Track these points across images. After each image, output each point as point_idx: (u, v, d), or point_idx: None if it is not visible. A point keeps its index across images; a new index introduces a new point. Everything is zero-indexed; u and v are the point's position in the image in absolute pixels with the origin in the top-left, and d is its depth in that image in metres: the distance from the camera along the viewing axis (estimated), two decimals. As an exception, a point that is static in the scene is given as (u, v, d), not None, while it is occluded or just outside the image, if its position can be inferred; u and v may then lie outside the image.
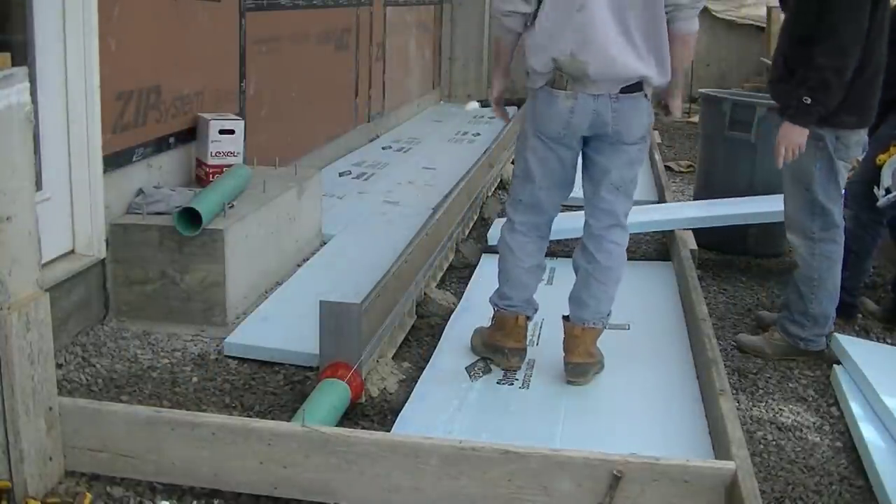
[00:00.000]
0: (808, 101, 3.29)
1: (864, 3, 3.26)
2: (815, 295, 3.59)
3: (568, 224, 4.20)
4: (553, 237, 3.51)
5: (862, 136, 3.52)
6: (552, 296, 4.23)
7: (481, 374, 3.38)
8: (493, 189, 6.27)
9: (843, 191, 3.60)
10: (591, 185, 3.27)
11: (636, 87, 3.05)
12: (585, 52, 2.98)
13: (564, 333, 3.36)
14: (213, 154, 4.29)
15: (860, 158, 3.89)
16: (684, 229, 4.66)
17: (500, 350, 3.42)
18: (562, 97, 3.08)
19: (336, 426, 2.74)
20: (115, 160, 3.74)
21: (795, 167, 3.50)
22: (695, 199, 5.49)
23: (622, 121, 3.08)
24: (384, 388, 3.25)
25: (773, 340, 3.70)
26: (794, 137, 3.36)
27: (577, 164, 3.28)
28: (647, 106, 3.12)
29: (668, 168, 7.21)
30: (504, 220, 3.46)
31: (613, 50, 2.97)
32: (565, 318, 3.38)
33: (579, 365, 3.33)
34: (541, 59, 3.08)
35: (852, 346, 3.54)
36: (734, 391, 3.32)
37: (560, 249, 4.77)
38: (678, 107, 3.34)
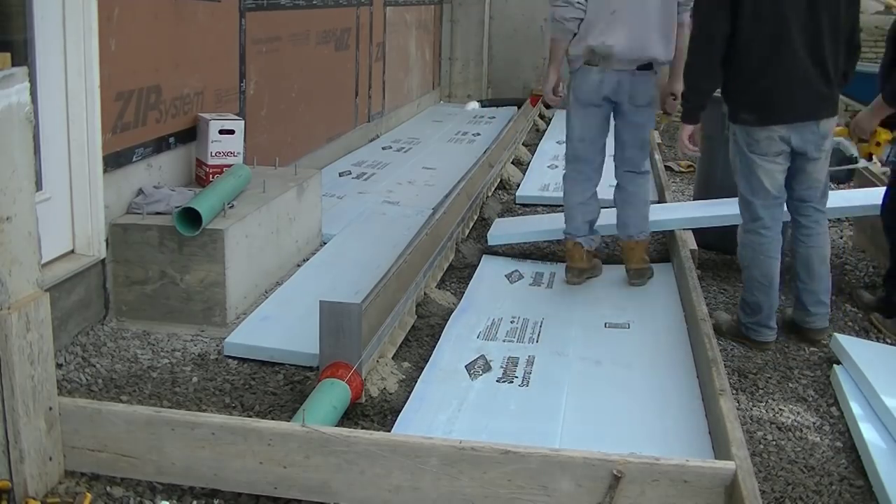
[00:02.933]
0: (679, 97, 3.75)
1: (716, 9, 3.46)
2: (745, 283, 3.76)
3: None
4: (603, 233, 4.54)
5: (775, 131, 3.51)
6: (552, 297, 4.25)
7: (481, 373, 3.38)
8: (493, 189, 6.27)
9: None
10: (618, 144, 4.30)
11: (648, 66, 4.07)
12: (612, 39, 4.02)
13: (622, 249, 4.47)
14: (213, 154, 4.29)
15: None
16: (684, 229, 4.66)
17: (566, 269, 4.42)
18: (594, 71, 4.09)
19: (336, 426, 2.75)
20: (115, 160, 3.74)
21: (731, 161, 3.75)
22: (695, 199, 5.49)
23: (634, 89, 4.10)
24: (384, 388, 3.25)
25: (731, 321, 3.87)
26: (680, 133, 3.81)
27: (606, 122, 4.25)
28: (654, 80, 4.15)
29: (668, 168, 7.20)
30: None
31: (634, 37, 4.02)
32: (619, 237, 4.45)
33: (638, 270, 4.35)
34: (579, 46, 4.08)
35: (852, 346, 3.54)
36: (734, 391, 3.32)
37: (560, 251, 4.77)
38: (679, 89, 4.05)
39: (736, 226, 4.75)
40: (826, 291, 3.79)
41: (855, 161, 4.31)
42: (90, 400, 2.90)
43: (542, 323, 3.88)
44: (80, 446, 2.55)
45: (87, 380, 3.28)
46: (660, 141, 7.95)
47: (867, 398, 3.20)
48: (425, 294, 4.12)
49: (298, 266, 4.50)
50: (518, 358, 3.52)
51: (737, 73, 3.53)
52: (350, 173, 6.47)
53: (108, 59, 3.60)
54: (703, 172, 5.38)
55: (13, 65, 2.29)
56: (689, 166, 7.40)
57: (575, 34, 4.08)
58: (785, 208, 3.75)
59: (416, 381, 3.31)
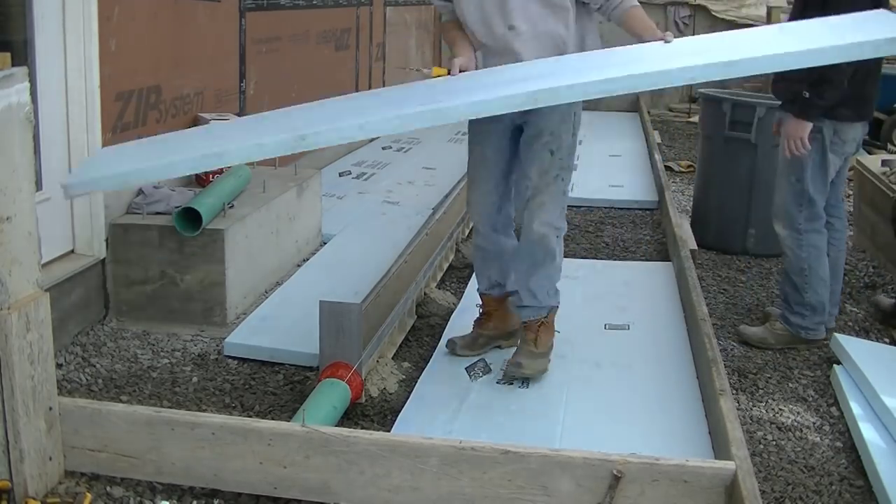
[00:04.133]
0: (807, 95, 3.46)
1: (864, 2, 3.32)
2: (809, 284, 3.71)
3: None
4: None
5: (859, 131, 3.61)
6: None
7: (481, 374, 3.38)
8: (493, 189, 6.26)
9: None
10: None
11: None
12: None
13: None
14: (213, 154, 4.28)
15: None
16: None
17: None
18: None
19: (336, 426, 2.75)
20: (115, 160, 3.74)
21: (791, 158, 3.63)
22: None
23: None
24: (384, 388, 3.25)
25: (775, 330, 3.79)
26: (794, 131, 3.53)
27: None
28: None
29: (668, 168, 7.20)
30: None
31: None
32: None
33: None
34: None
35: (852, 346, 3.54)
36: (734, 391, 3.32)
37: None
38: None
39: (735, 226, 4.80)
40: (838, 301, 3.87)
41: None
42: (90, 400, 2.90)
43: (542, 323, 3.87)
44: (80, 446, 2.55)
45: (87, 380, 3.28)
46: (659, 141, 7.95)
47: (867, 398, 3.20)
48: (425, 294, 4.12)
49: (298, 266, 4.50)
50: (518, 358, 3.51)
51: (858, 65, 3.41)
52: (350, 173, 6.47)
53: (108, 59, 3.59)
54: (702, 172, 5.38)
55: (13, 65, 2.29)
56: (689, 166, 7.40)
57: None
58: None
59: (416, 381, 3.31)
